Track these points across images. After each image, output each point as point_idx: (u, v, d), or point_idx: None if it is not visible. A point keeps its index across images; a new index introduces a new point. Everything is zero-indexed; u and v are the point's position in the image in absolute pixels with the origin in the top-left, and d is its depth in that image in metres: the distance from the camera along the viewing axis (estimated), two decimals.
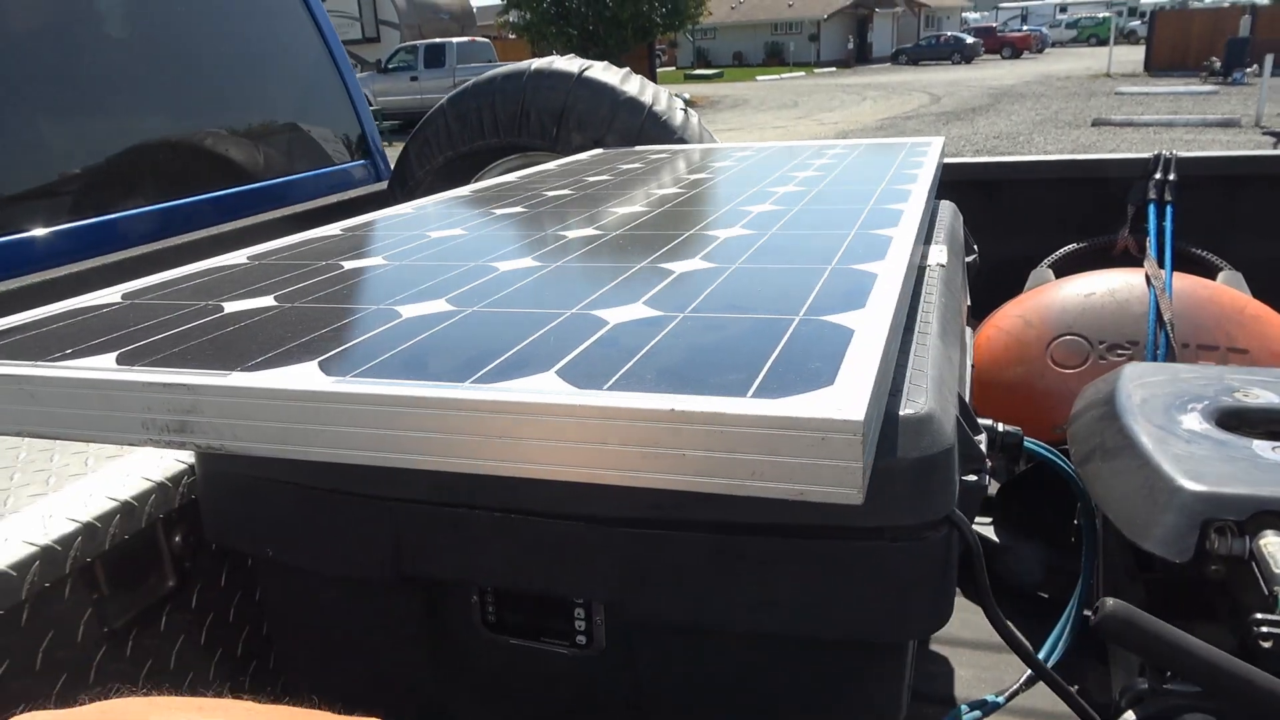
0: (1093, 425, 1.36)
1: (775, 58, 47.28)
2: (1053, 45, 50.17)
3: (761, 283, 0.85)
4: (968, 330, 1.45)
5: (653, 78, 32.38)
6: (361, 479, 0.86)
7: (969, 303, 1.59)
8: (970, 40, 42.92)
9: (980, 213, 2.38)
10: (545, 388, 0.59)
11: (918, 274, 1.23)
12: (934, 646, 1.69)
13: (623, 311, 0.77)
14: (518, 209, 1.40)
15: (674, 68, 48.05)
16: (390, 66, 22.62)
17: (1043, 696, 1.59)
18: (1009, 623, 0.82)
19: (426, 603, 0.94)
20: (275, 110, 2.48)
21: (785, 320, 0.72)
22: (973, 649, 1.73)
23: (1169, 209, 2.12)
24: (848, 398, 0.53)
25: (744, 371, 0.60)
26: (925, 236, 1.41)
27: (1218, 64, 24.93)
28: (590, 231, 1.16)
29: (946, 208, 1.75)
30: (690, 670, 0.89)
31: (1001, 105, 22.81)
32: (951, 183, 2.38)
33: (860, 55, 47.89)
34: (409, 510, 0.87)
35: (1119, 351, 1.93)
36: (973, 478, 0.88)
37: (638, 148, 2.21)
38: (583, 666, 0.92)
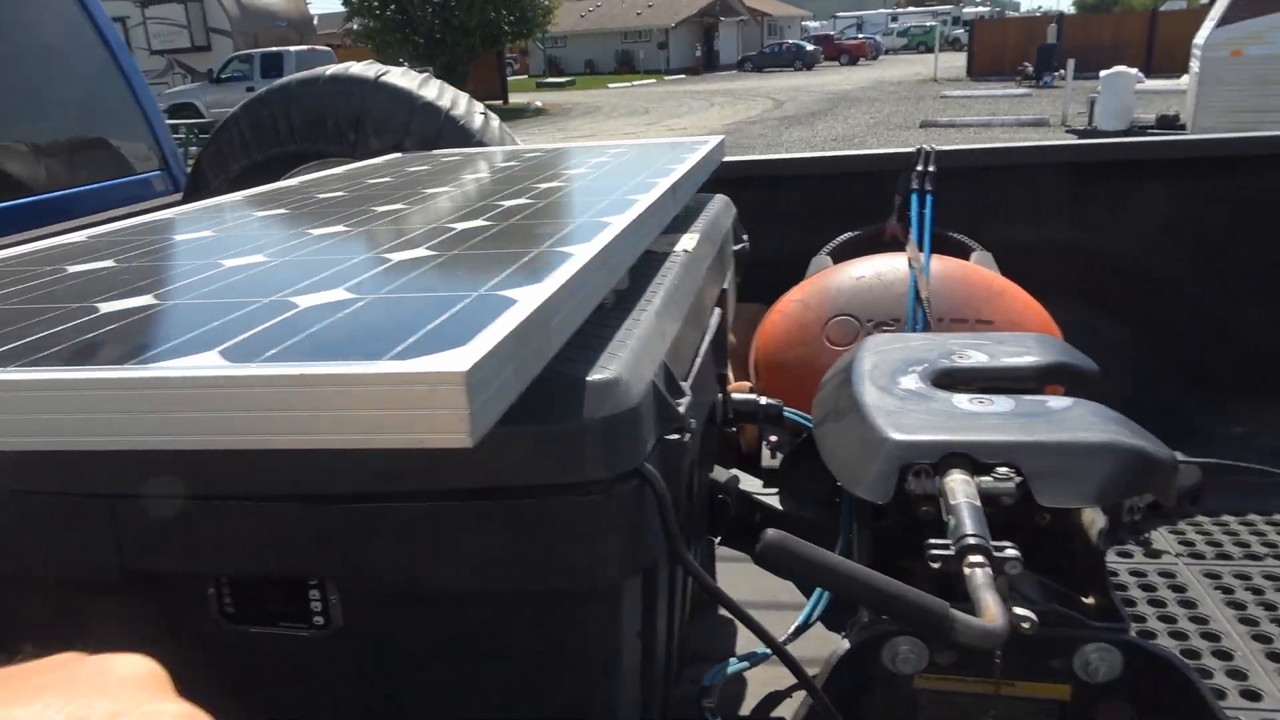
0: (831, 392, 1.49)
1: (626, 65, 47.92)
2: (886, 52, 52.94)
3: (464, 265, 0.91)
4: (717, 311, 1.56)
5: (503, 86, 32.21)
6: (77, 475, 0.87)
7: (726, 285, 1.70)
8: (810, 48, 44.78)
9: (768, 206, 2.54)
10: (201, 364, 0.63)
11: (660, 258, 1.33)
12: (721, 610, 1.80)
13: (319, 296, 0.82)
14: (280, 211, 1.42)
15: (526, 76, 47.96)
16: (224, 76, 21.67)
17: (811, 646, 1.72)
18: (695, 562, 0.91)
19: (161, 600, 0.95)
20: (53, 119, 2.38)
21: (463, 296, 0.78)
22: (755, 610, 1.85)
23: (929, 198, 2.32)
24: (463, 354, 0.60)
25: (394, 341, 0.66)
26: (675, 226, 1.51)
27: (1030, 68, 26.95)
28: (338, 229, 1.20)
29: (718, 200, 1.87)
30: (424, 637, 0.94)
31: (839, 109, 23.93)
32: (742, 179, 2.52)
33: (708, 62, 49.14)
34: (129, 505, 0.88)
35: (884, 328, 2.10)
36: (675, 436, 0.97)
37: (435, 151, 2.24)
38: (323, 646, 0.95)
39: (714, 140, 2.07)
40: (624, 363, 0.88)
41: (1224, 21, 11.96)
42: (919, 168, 2.35)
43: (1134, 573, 1.75)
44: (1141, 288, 2.39)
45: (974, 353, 1.51)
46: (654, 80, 41.37)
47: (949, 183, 2.39)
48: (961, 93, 25.43)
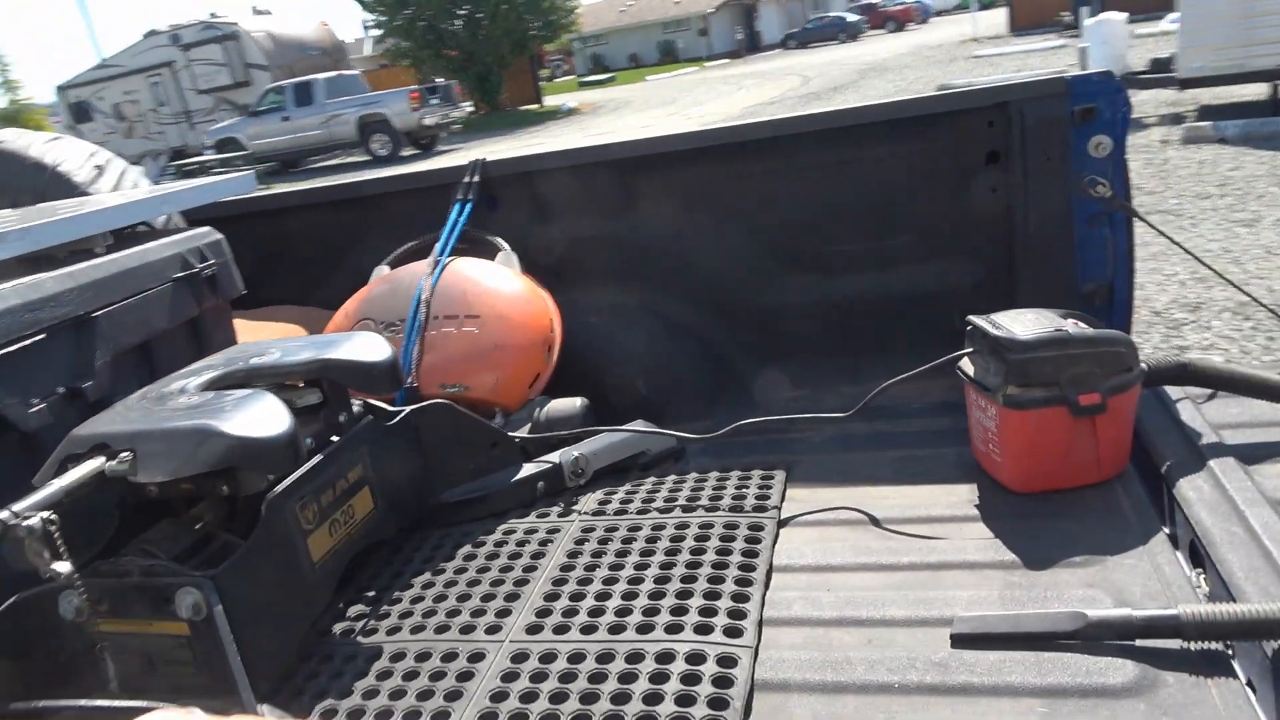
0: None
1: (669, 55, 47.95)
2: (937, 14, 51.37)
3: None
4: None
5: (536, 89, 32.79)
6: None
7: (119, 305, 1.94)
8: (853, 19, 43.94)
9: (368, 223, 2.81)
10: None
11: None
12: None
13: None
14: None
15: (573, 76, 48.54)
16: (261, 109, 22.76)
17: None
18: None
19: None
20: None
21: None
22: None
23: (468, 205, 2.56)
24: None
25: None
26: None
27: (1068, 18, 25.90)
28: None
29: (176, 237, 2.15)
30: None
31: (865, 81, 23.52)
32: (342, 200, 2.81)
33: (751, 44, 48.72)
34: None
35: (393, 329, 2.35)
36: None
37: (40, 206, 2.59)
38: None
39: (232, 178, 2.36)
40: None
41: None
42: (465, 179, 2.58)
43: (529, 529, 1.95)
44: (693, 271, 2.56)
45: (274, 353, 1.78)
46: (695, 68, 41.32)
47: (502, 189, 2.61)
48: (994, 51, 24.67)
